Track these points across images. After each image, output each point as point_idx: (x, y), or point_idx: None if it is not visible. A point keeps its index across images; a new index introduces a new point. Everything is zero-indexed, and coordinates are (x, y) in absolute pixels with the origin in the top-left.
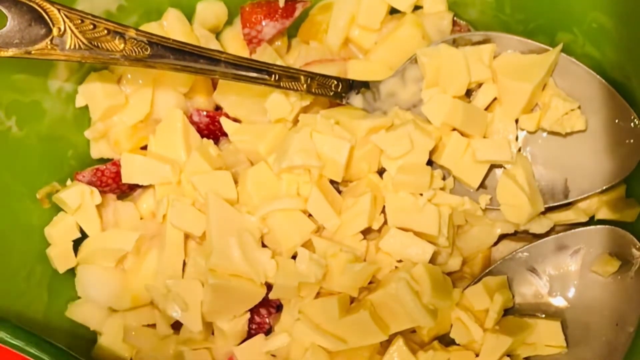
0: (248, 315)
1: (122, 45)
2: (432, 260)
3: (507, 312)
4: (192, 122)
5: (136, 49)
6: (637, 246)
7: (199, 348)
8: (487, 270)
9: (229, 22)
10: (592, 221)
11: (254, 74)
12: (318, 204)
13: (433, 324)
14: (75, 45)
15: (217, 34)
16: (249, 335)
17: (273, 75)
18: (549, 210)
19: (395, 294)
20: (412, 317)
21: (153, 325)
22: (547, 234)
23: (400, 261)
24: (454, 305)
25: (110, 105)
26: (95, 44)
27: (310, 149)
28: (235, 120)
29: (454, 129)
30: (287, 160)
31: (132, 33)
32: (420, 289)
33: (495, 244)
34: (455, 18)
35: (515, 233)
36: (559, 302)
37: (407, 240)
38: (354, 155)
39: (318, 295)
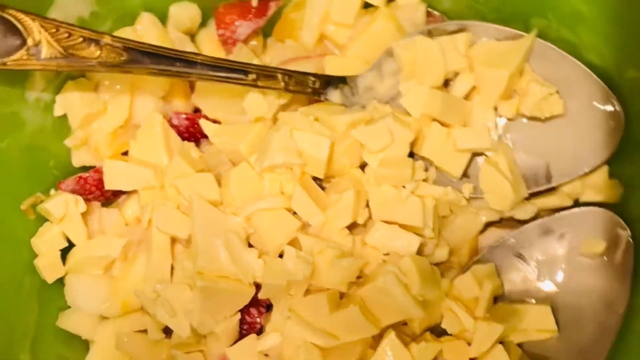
0: (239, 316)
1: (98, 52)
2: (419, 252)
3: (497, 299)
4: (172, 126)
5: (112, 55)
6: (623, 227)
7: (192, 351)
8: (474, 259)
9: (204, 23)
10: (577, 205)
11: (231, 74)
12: (302, 202)
13: (423, 315)
14: (51, 55)
15: (193, 36)
16: (241, 336)
17: (250, 75)
18: (533, 196)
19: (384, 288)
20: (402, 309)
21: (145, 331)
22: (533, 219)
23: (387, 254)
24: (443, 295)
25: (88, 112)
26: (71, 52)
27: (291, 147)
28: (215, 121)
29: (434, 120)
30: (269, 159)
31: (107, 39)
32: (408, 281)
33: (482, 232)
34: (428, 9)
35: (501, 220)
36: (548, 286)
37: (393, 233)
38: (335, 150)
39: (307, 292)
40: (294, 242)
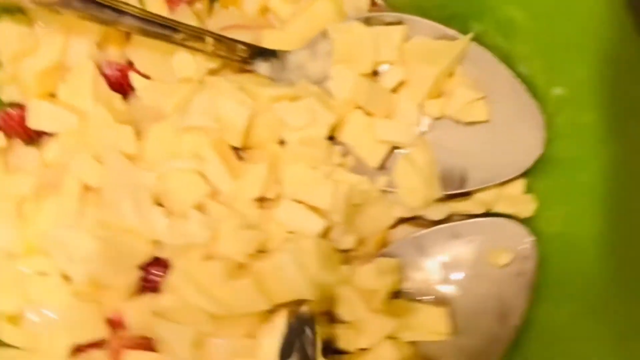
0: (138, 272)
1: None
2: (325, 236)
3: (396, 295)
4: (103, 74)
5: None
6: (531, 241)
7: (88, 301)
8: (380, 252)
9: None
10: (489, 214)
11: (159, 30)
12: (214, 167)
13: (316, 297)
14: None
15: None
16: (141, 293)
17: (178, 33)
18: (449, 198)
19: (280, 265)
20: (296, 289)
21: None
22: (446, 222)
23: (291, 233)
24: (342, 282)
25: (20, 48)
26: None
27: (211, 111)
28: (146, 76)
29: (358, 107)
30: (187, 120)
31: None
32: (306, 262)
33: (394, 227)
34: None
35: (414, 218)
36: (448, 289)
37: (300, 212)
38: (255, 122)
39: (207, 258)
40: (201, 207)
